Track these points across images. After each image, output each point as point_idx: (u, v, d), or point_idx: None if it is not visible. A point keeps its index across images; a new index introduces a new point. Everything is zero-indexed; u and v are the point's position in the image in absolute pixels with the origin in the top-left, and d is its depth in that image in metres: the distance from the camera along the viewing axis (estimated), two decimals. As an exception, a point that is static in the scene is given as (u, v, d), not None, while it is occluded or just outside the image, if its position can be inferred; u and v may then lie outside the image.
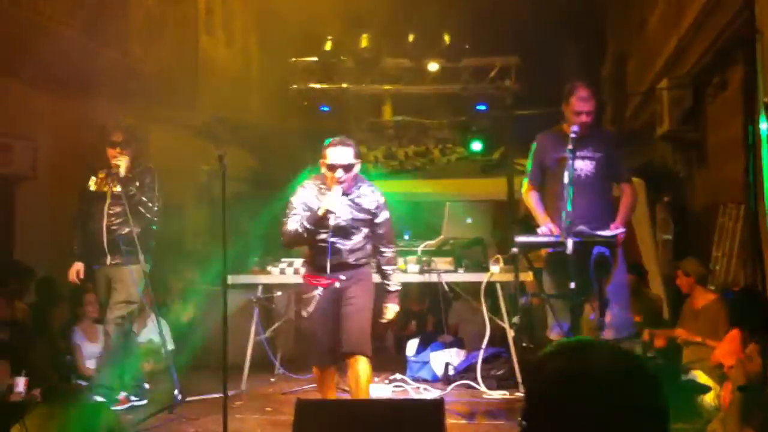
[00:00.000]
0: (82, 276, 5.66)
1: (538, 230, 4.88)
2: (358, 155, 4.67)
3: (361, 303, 4.68)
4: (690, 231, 8.43)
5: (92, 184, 5.68)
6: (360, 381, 4.62)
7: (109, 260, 5.59)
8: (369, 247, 4.80)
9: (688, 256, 6.50)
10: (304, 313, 4.63)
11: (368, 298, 4.75)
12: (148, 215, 5.61)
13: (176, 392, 5.32)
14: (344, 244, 4.64)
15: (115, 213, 5.58)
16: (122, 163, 5.50)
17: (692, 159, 9.01)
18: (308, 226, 4.55)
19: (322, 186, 4.65)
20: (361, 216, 4.68)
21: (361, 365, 4.61)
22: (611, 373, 1.48)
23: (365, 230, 4.73)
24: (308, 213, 4.60)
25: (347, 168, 4.56)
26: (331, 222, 4.55)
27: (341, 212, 4.59)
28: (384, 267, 4.88)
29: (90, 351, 6.44)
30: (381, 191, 4.84)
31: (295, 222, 4.62)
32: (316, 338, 4.70)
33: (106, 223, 5.57)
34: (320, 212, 4.53)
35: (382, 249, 4.85)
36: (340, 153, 4.56)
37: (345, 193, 4.62)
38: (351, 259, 4.68)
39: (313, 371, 4.88)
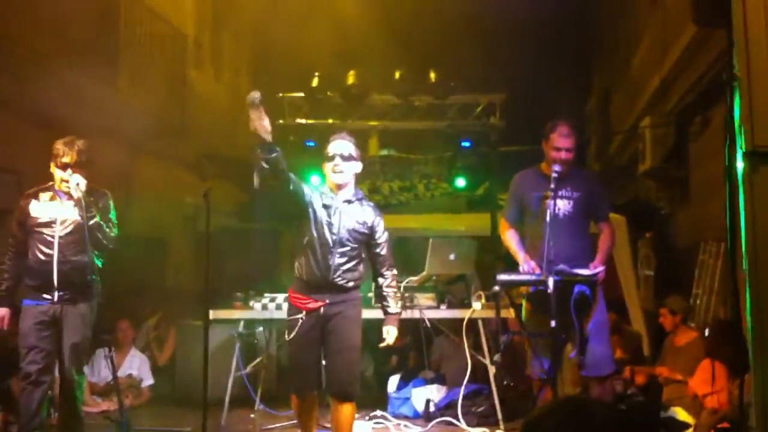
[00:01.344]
0: (6, 324, 4.86)
1: (520, 268, 4.89)
2: (358, 153, 4.62)
3: (350, 339, 4.51)
4: (672, 267, 8.47)
5: (34, 209, 4.86)
6: (344, 424, 4.52)
7: (57, 296, 4.76)
8: (361, 269, 4.62)
9: (672, 293, 6.53)
10: (287, 337, 4.54)
11: (357, 332, 4.58)
12: (105, 242, 4.86)
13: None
14: (338, 260, 4.45)
15: (69, 241, 4.79)
16: (77, 183, 4.73)
17: (675, 196, 9.07)
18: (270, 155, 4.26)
19: (325, 191, 4.55)
20: (360, 228, 4.54)
21: (347, 408, 4.50)
22: None
23: (360, 248, 4.57)
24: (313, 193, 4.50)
25: (346, 158, 4.49)
26: (326, 221, 4.44)
27: (340, 217, 4.48)
28: (385, 289, 4.74)
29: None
30: (381, 214, 4.76)
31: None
32: (297, 364, 4.55)
33: (58, 255, 4.77)
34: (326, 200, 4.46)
35: (384, 271, 4.73)
36: (339, 144, 4.53)
37: (347, 200, 4.54)
38: (340, 280, 4.47)
39: (293, 400, 4.69)
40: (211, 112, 11.78)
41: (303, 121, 9.67)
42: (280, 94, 9.65)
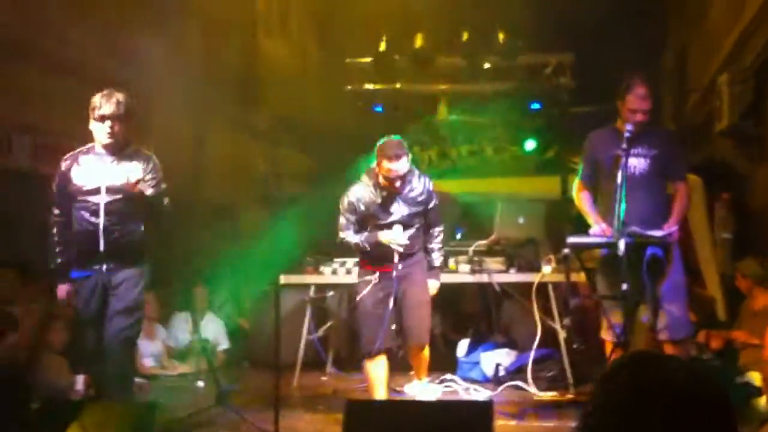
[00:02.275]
0: (70, 300, 4.72)
1: (590, 231, 4.82)
2: (409, 156, 4.90)
3: (422, 295, 5.05)
4: (750, 229, 8.21)
5: (76, 175, 4.62)
6: (423, 364, 5.24)
7: (105, 267, 4.59)
8: (421, 234, 5.11)
9: (747, 256, 6.34)
10: (357, 298, 5.02)
11: (426, 289, 5.11)
12: (164, 216, 4.77)
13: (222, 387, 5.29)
14: (400, 240, 4.87)
15: (116, 208, 4.58)
16: (120, 135, 4.54)
17: (754, 155, 8.76)
18: (367, 246, 4.92)
19: (376, 185, 4.92)
20: (416, 210, 4.98)
21: (425, 353, 5.18)
22: (684, 390, 1.47)
23: (419, 221, 5.04)
24: (366, 215, 4.92)
25: (404, 177, 4.87)
26: (384, 214, 4.91)
27: (399, 204, 4.92)
28: (431, 245, 5.19)
29: (148, 349, 6.61)
30: (428, 177, 5.14)
31: (352, 233, 4.96)
32: (369, 322, 4.94)
33: (104, 223, 4.56)
34: (382, 240, 4.86)
35: (432, 230, 5.18)
36: (397, 165, 4.80)
37: (399, 193, 4.92)
38: (407, 249, 4.92)
39: (364, 364, 5.04)
40: (281, 79, 11.86)
41: (371, 86, 9.65)
42: (348, 60, 9.64)
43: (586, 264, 5.34)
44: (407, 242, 4.91)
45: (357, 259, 6.11)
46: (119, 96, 4.57)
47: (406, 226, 4.92)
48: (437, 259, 5.24)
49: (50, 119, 6.64)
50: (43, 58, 6.60)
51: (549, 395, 5.99)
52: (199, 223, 5.63)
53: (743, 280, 5.80)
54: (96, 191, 4.57)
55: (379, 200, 4.92)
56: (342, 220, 5.01)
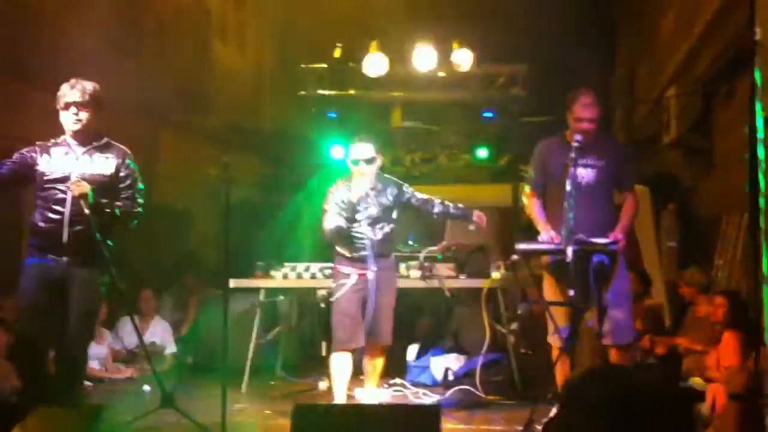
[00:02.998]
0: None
1: (539, 237, 4.89)
2: (377, 150, 5.26)
3: (391, 298, 5.33)
4: (694, 239, 8.40)
5: (45, 164, 4.51)
6: (378, 368, 5.45)
7: (65, 259, 4.45)
8: (394, 238, 5.40)
9: (692, 265, 6.49)
10: (333, 299, 5.25)
11: (394, 292, 5.38)
12: (126, 205, 4.60)
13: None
14: (375, 235, 5.19)
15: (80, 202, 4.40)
16: (87, 123, 4.47)
17: (699, 167, 8.97)
18: (346, 215, 5.14)
19: (350, 184, 5.22)
20: (389, 202, 5.29)
21: (382, 358, 5.43)
22: (651, 399, 1.49)
23: (394, 219, 5.33)
24: (345, 207, 5.14)
25: (369, 161, 5.18)
26: (362, 209, 5.17)
27: (371, 201, 5.20)
28: (445, 205, 5.54)
29: (94, 352, 6.49)
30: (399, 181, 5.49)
31: (334, 218, 5.16)
32: (348, 317, 5.17)
33: (70, 215, 4.43)
34: (354, 199, 5.12)
35: (433, 201, 5.50)
36: (360, 149, 5.21)
37: (373, 188, 5.23)
38: (381, 250, 5.22)
39: (332, 359, 5.25)
40: (235, 85, 11.80)
41: (325, 92, 9.64)
42: (303, 65, 9.62)
43: (534, 270, 5.41)
44: (372, 197, 5.20)
45: (307, 264, 6.23)
46: (85, 84, 4.51)
47: (380, 221, 5.24)
48: (453, 206, 5.60)
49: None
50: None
51: (497, 398, 6.04)
52: (151, 228, 5.52)
53: (687, 288, 5.93)
54: (63, 180, 4.45)
55: (354, 199, 5.16)
56: (329, 214, 5.20)
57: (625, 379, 1.56)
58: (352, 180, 5.23)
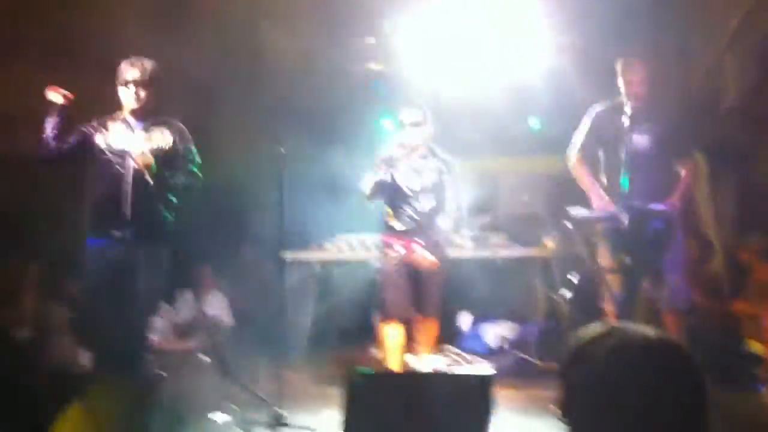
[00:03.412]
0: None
1: (593, 204, 4.84)
2: (426, 117, 5.17)
3: (438, 271, 5.19)
4: (754, 206, 8.21)
5: (102, 139, 4.56)
6: (431, 338, 5.36)
7: (128, 233, 4.48)
8: (445, 210, 5.25)
9: (753, 230, 6.35)
10: (380, 269, 5.25)
11: (442, 264, 5.23)
12: (186, 179, 4.64)
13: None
14: (422, 207, 5.16)
15: (143, 175, 4.46)
16: (145, 101, 4.54)
17: (759, 132, 8.74)
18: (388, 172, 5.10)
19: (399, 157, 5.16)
20: (435, 178, 5.18)
21: (434, 326, 5.33)
22: (656, 364, 1.48)
23: (439, 191, 5.21)
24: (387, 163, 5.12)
25: (415, 125, 5.12)
26: (409, 178, 5.14)
27: (419, 170, 5.16)
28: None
29: (156, 325, 6.64)
30: (450, 156, 5.34)
31: (374, 176, 5.14)
32: (396, 288, 5.16)
33: (130, 189, 4.46)
34: (396, 156, 5.09)
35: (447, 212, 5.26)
36: (407, 113, 5.17)
37: (422, 157, 5.20)
38: (427, 222, 5.16)
39: (382, 329, 5.25)
40: (285, 63, 11.81)
41: (374, 66, 9.61)
42: (351, 38, 9.60)
43: (589, 238, 5.37)
44: (418, 170, 5.15)
45: (360, 237, 6.25)
46: (145, 61, 4.58)
47: (425, 193, 5.17)
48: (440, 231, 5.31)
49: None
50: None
51: (552, 366, 6.01)
52: (206, 203, 5.56)
53: (747, 254, 5.82)
54: (121, 156, 4.50)
55: (402, 163, 5.13)
56: (370, 174, 5.19)
57: (633, 336, 1.53)
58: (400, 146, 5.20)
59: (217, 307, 7.48)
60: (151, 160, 4.48)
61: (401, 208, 5.19)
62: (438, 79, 10.08)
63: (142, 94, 4.56)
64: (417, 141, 5.16)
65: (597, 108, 5.09)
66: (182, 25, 8.70)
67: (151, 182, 4.46)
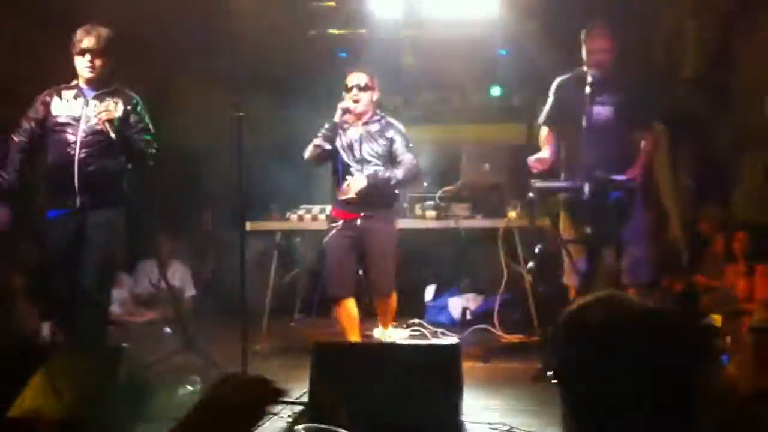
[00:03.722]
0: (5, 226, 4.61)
1: (529, 160, 4.83)
2: (373, 82, 5.00)
3: (386, 246, 4.99)
4: (711, 177, 8.33)
5: (56, 107, 4.57)
6: (389, 314, 5.18)
7: (78, 201, 4.51)
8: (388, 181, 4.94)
9: (709, 203, 6.44)
10: (323, 243, 5.02)
11: (391, 239, 5.05)
12: (141, 145, 4.63)
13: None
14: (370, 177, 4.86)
15: (93, 141, 4.50)
16: (100, 70, 4.54)
17: (718, 102, 8.83)
18: (329, 135, 4.89)
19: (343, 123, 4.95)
20: (381, 148, 4.95)
21: (391, 302, 5.14)
22: (645, 329, 1.48)
23: (386, 165, 4.95)
24: (328, 128, 4.90)
25: (362, 89, 4.91)
26: (353, 148, 4.92)
27: (364, 139, 4.93)
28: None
29: (115, 296, 6.55)
30: (401, 125, 5.12)
31: (318, 139, 4.93)
32: (333, 267, 5.00)
33: (80, 156, 4.49)
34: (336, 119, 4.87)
35: (400, 164, 4.98)
36: (354, 76, 4.98)
37: (365, 123, 4.98)
38: (371, 193, 4.84)
39: (333, 309, 5.18)
40: (243, 26, 11.60)
41: (335, 31, 9.49)
42: (312, 3, 9.45)
43: (551, 209, 5.39)
44: (365, 138, 4.94)
45: (322, 206, 6.16)
46: (101, 30, 4.56)
47: (368, 164, 4.93)
48: (388, 172, 5.00)
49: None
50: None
51: (515, 337, 6.08)
52: (163, 171, 5.49)
53: (706, 224, 5.90)
54: (73, 124, 4.53)
55: (348, 131, 4.94)
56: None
57: (629, 303, 1.54)
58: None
59: (178, 277, 7.40)
60: (114, 114, 4.48)
61: (345, 177, 4.94)
62: (400, 45, 10.06)
63: (97, 62, 4.56)
64: (363, 106, 4.95)
65: (560, 79, 5.09)
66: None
67: (113, 135, 4.46)
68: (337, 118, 4.88)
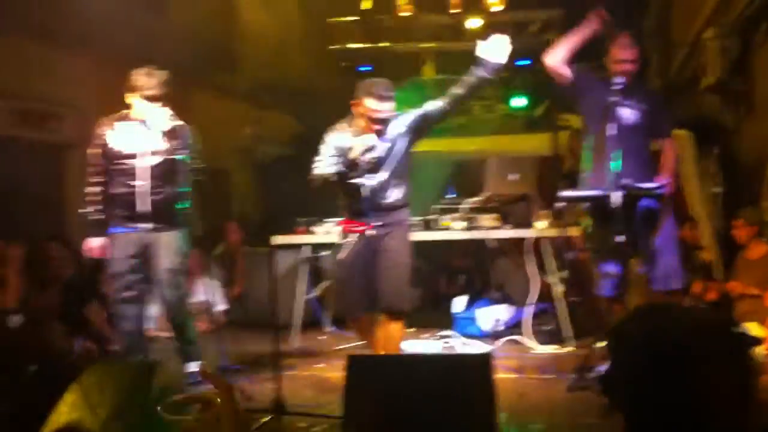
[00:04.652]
0: (108, 253, 4.82)
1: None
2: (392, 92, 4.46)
3: (399, 257, 4.51)
4: (739, 183, 8.27)
5: (113, 139, 4.81)
6: (392, 340, 4.56)
7: (147, 225, 4.79)
8: (405, 187, 4.55)
9: (743, 208, 6.36)
10: (338, 260, 4.57)
11: (406, 250, 4.57)
12: (193, 176, 4.92)
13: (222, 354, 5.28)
14: (372, 183, 4.41)
15: (159, 172, 4.78)
16: (164, 115, 4.78)
17: (740, 110, 8.78)
18: (339, 161, 4.40)
19: (354, 129, 4.47)
20: (401, 141, 4.49)
21: (394, 326, 4.54)
22: (696, 337, 1.47)
23: (403, 165, 4.50)
24: (340, 157, 4.40)
25: (386, 98, 4.40)
26: (365, 158, 4.38)
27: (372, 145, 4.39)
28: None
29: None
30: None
31: (325, 165, 4.47)
32: (347, 287, 4.59)
33: (141, 185, 4.75)
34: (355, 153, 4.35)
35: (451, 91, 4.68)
36: (383, 106, 4.38)
37: (377, 131, 4.41)
38: (388, 199, 4.48)
39: (349, 323, 4.96)
40: (262, 41, 11.70)
41: (355, 45, 9.55)
42: (332, 19, 9.53)
43: (580, 218, 5.37)
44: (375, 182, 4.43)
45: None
46: (159, 74, 4.75)
47: (378, 168, 4.42)
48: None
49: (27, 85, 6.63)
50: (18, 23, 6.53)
51: (547, 349, 6.06)
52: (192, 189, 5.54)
53: (744, 228, 5.79)
54: (132, 156, 4.76)
55: (357, 145, 4.38)
56: (317, 158, 4.57)
57: (671, 314, 1.53)
58: (353, 123, 4.52)
59: (208, 292, 7.42)
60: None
61: (351, 186, 4.45)
62: (421, 59, 10.11)
63: (156, 104, 4.75)
64: (383, 114, 4.40)
65: (592, 72, 5.05)
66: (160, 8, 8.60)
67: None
68: (355, 155, 4.40)
